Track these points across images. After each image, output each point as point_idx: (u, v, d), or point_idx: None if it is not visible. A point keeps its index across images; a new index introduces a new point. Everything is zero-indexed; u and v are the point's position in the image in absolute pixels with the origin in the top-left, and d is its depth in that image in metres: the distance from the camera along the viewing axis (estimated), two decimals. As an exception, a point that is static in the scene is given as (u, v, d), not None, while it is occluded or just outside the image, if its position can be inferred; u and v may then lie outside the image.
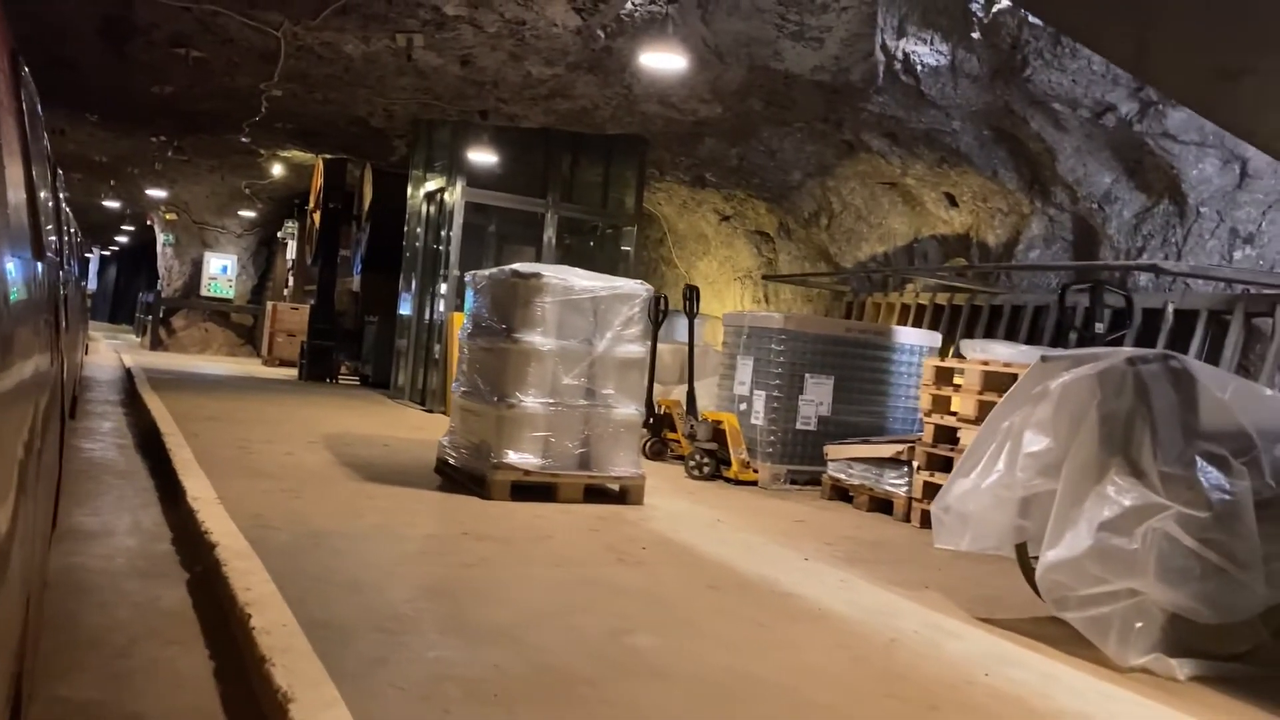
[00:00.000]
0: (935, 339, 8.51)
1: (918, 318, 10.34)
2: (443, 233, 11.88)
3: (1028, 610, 4.45)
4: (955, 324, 9.69)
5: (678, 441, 8.92)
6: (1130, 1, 3.44)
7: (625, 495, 6.57)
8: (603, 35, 7.74)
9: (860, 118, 9.47)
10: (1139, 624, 3.70)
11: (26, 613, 1.94)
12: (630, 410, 6.59)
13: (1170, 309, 7.33)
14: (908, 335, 8.48)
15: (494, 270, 6.80)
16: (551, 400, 6.33)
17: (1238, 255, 7.32)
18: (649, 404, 9.31)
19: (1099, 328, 6.06)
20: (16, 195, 2.04)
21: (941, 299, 10.15)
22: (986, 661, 3.69)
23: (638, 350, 6.61)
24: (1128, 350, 4.08)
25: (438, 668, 3.11)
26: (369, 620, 3.52)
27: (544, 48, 7.87)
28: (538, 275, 6.30)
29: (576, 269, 6.71)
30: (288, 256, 22.02)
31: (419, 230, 12.69)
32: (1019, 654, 3.84)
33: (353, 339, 16.14)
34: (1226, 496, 3.64)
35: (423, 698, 2.85)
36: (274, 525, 4.83)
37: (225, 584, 3.84)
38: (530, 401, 6.27)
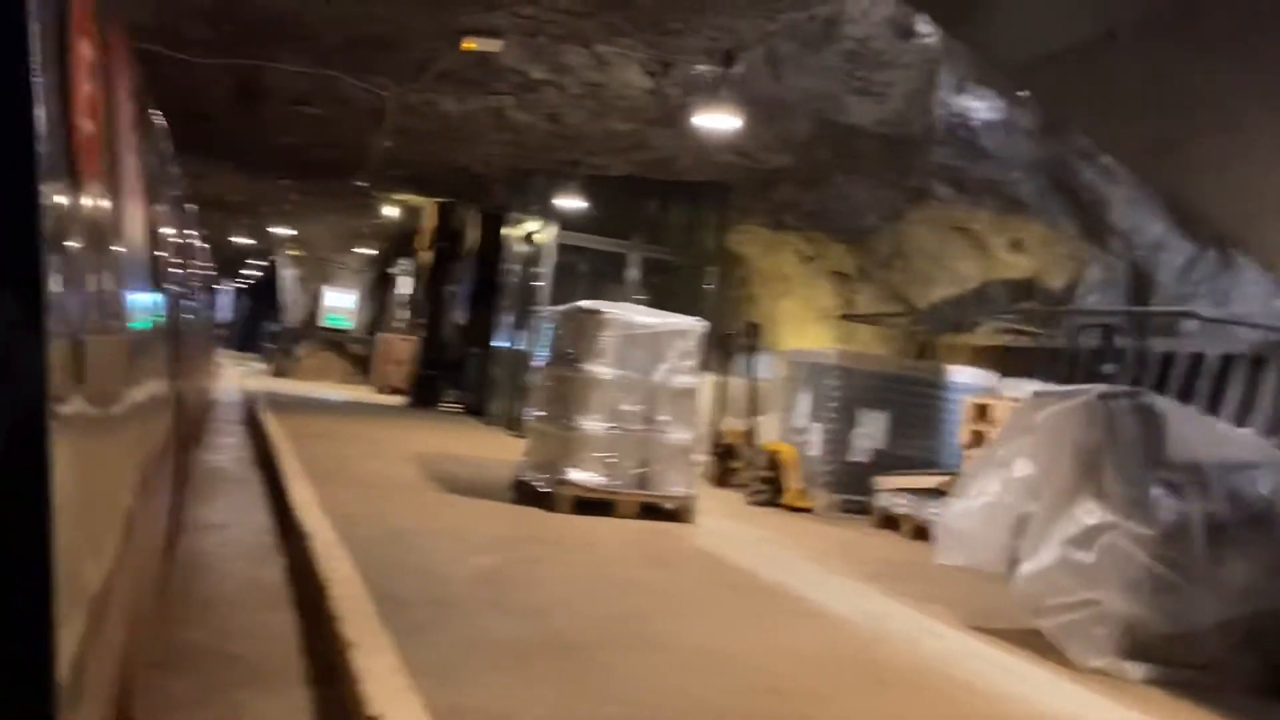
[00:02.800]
0: (988, 378, 8.87)
1: (985, 358, 10.68)
2: (536, 271, 12.76)
3: (1024, 623, 4.87)
4: (1018, 364, 10.02)
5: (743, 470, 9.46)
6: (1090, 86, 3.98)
7: (678, 514, 7.16)
8: (675, 94, 8.46)
9: (924, 167, 9.96)
10: (1097, 630, 4.14)
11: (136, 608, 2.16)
12: (684, 435, 7.20)
13: (1213, 354, 7.59)
14: (961, 374, 8.88)
15: (565, 306, 7.54)
16: (612, 424, 6.99)
17: (1279, 303, 7.55)
18: (718, 434, 9.92)
19: (1109, 368, 6.43)
20: (133, 227, 2.09)
21: (1009, 340, 10.48)
22: (955, 656, 4.18)
23: (691, 381, 7.24)
24: (1102, 387, 4.52)
25: (474, 633, 3.78)
26: (426, 596, 4.22)
27: (622, 106, 8.65)
28: (600, 311, 7.01)
29: (638, 306, 7.41)
30: (401, 291, 23.39)
31: (516, 268, 13.62)
32: (989, 652, 4.31)
33: (456, 369, 17.17)
34: (1176, 518, 4.06)
35: (457, 651, 3.52)
36: (361, 523, 5.59)
37: (313, 565, 4.61)
38: (592, 425, 6.95)
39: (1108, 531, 4.09)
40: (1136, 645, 4.17)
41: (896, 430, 8.56)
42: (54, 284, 1.02)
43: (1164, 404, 4.40)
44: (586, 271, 14.00)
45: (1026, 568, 4.32)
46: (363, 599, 4.04)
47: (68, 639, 1.06)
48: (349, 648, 3.44)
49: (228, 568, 4.99)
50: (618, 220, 12.84)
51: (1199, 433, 4.33)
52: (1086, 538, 4.15)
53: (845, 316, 13.77)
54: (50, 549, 0.99)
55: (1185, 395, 7.88)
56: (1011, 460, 4.68)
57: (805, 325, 15.93)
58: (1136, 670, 4.09)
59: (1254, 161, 3.45)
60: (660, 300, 13.25)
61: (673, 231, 13.58)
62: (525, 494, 7.34)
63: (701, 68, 7.76)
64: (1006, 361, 10.16)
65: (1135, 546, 4.05)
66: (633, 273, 12.66)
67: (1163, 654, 4.18)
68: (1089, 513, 4.19)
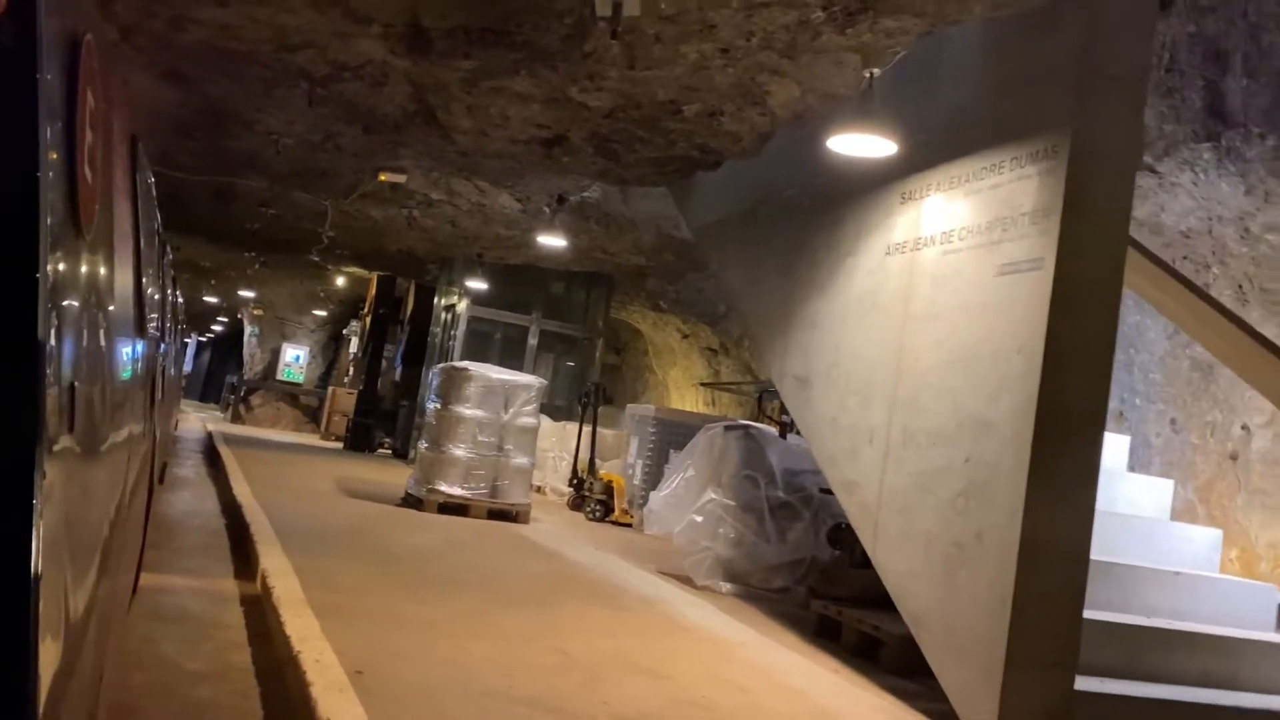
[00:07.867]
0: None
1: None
2: (455, 335, 15.66)
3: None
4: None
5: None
6: (719, 248, 6.95)
7: (517, 517, 9.95)
8: (546, 211, 11.44)
9: (742, 269, 12.99)
10: (708, 565, 6.98)
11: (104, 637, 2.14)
12: (524, 461, 10.03)
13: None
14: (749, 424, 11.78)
15: (443, 365, 10.40)
16: (472, 450, 9.80)
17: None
18: (574, 470, 12.73)
19: (786, 418, 9.34)
20: (124, 274, 2.09)
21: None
22: (628, 578, 6.99)
23: (532, 421, 10.09)
24: (728, 421, 7.43)
25: (333, 547, 6.57)
26: (310, 534, 7.00)
27: (503, 217, 11.61)
28: (466, 369, 9.88)
29: (495, 366, 10.28)
30: (351, 350, 26.15)
31: (438, 332, 16.51)
32: (650, 578, 7.14)
33: (390, 419, 19.93)
34: (751, 498, 6.94)
35: (319, 552, 6.30)
36: (280, 506, 8.32)
37: (242, 517, 7.37)
38: (457, 450, 9.76)
39: (711, 504, 6.96)
40: (731, 574, 7.02)
41: (696, 467, 11.41)
42: (52, 333, 1.04)
43: (763, 434, 7.30)
44: (499, 338, 16.93)
45: (677, 530, 7.17)
46: (269, 532, 6.81)
47: (47, 670, 1.07)
48: (256, 544, 6.23)
49: (187, 524, 7.74)
50: (524, 298, 15.84)
51: (782, 451, 7.23)
52: (703, 509, 7.02)
53: (704, 384, 16.73)
54: (33, 582, 0.99)
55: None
56: (686, 467, 7.57)
57: (686, 390, 18.91)
58: (726, 587, 6.93)
59: (765, 302, 6.35)
60: (558, 364, 16.28)
61: (573, 309, 16.58)
62: (407, 500, 10.12)
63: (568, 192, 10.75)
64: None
65: (725, 514, 6.93)
66: (533, 340, 15.58)
67: (749, 580, 7.03)
68: (707, 495, 7.07)
